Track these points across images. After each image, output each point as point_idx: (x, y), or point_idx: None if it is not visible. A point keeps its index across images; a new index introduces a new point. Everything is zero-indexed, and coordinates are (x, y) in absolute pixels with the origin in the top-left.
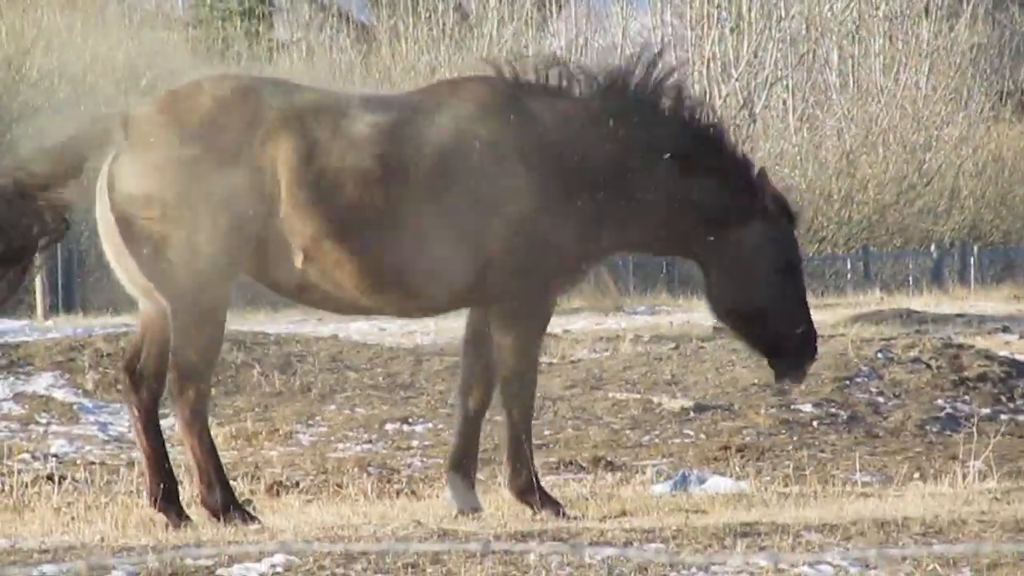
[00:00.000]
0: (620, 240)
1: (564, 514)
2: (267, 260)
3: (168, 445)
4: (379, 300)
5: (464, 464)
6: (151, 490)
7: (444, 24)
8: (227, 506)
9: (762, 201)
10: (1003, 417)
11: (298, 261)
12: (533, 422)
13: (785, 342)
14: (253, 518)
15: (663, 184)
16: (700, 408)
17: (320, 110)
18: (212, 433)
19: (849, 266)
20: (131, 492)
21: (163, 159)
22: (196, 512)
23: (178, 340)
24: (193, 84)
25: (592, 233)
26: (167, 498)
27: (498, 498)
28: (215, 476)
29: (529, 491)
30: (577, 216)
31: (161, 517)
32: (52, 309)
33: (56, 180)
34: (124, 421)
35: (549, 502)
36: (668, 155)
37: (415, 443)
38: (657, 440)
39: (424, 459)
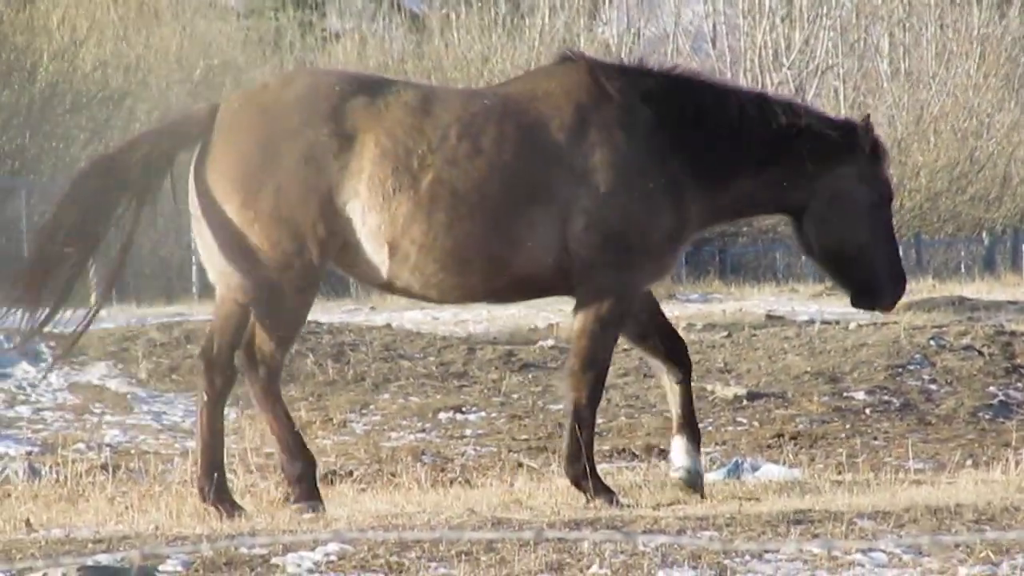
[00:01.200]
0: (720, 211)
1: (617, 503)
2: (353, 253)
3: (227, 433)
4: (465, 282)
5: (692, 428)
6: (200, 481)
7: (496, 13)
8: (305, 476)
9: (853, 143)
10: None
11: (384, 255)
12: None
13: (881, 274)
14: (320, 501)
15: (758, 147)
16: (753, 396)
17: (405, 103)
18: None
19: (901, 254)
20: (185, 481)
21: (245, 151)
22: (250, 502)
23: (258, 322)
24: (280, 78)
25: (686, 208)
26: (218, 489)
27: (551, 486)
28: (295, 445)
29: (584, 478)
30: (667, 192)
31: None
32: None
33: (147, 168)
34: (178, 410)
35: (603, 490)
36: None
37: (468, 432)
38: (710, 428)
39: (477, 448)
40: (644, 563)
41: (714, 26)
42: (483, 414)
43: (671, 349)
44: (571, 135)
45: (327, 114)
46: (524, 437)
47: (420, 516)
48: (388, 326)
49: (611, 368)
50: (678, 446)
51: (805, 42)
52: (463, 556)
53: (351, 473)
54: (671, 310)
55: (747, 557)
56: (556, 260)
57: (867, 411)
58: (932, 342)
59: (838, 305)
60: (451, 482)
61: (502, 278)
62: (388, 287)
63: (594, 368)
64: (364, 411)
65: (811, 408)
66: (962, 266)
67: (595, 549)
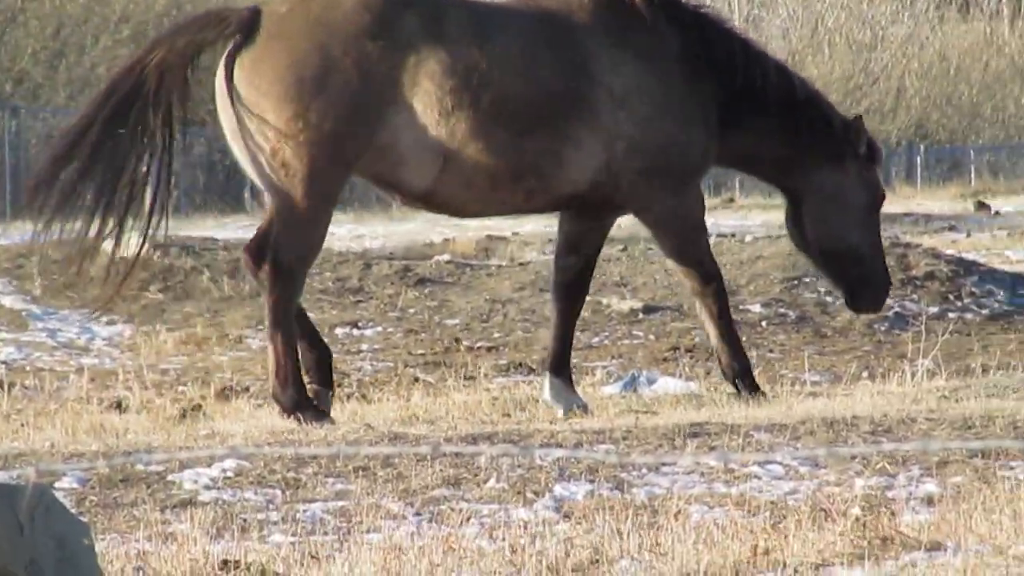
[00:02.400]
0: (724, 154)
1: (764, 395)
2: (396, 166)
3: (122, 349)
4: (511, 196)
5: (565, 366)
6: (303, 357)
7: None
8: (298, 405)
9: (857, 144)
10: (951, 315)
11: (436, 169)
12: (483, 325)
13: (869, 276)
14: (325, 414)
15: (763, 116)
16: (649, 309)
17: (459, 18)
18: (162, 339)
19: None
20: (81, 398)
21: (299, 61)
22: (146, 419)
23: (279, 236)
24: None
25: (705, 140)
26: (320, 366)
27: (448, 400)
28: (291, 375)
29: (743, 378)
30: (694, 122)
31: (114, 422)
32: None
33: (164, 75)
34: (73, 327)
35: (756, 388)
36: (772, 95)
37: (365, 347)
38: (607, 341)
39: (374, 363)
40: (541, 477)
41: None
42: (379, 329)
43: (578, 285)
44: (608, 54)
45: (382, 25)
46: (420, 352)
47: (317, 431)
48: None
49: (507, 282)
50: (554, 386)
51: None
52: (360, 471)
53: (247, 389)
54: None
55: (644, 470)
56: (594, 179)
57: (763, 324)
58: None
59: (733, 218)
60: (348, 397)
61: (546, 195)
62: (423, 199)
63: (711, 278)
64: (260, 327)
65: None
66: None
67: (492, 463)
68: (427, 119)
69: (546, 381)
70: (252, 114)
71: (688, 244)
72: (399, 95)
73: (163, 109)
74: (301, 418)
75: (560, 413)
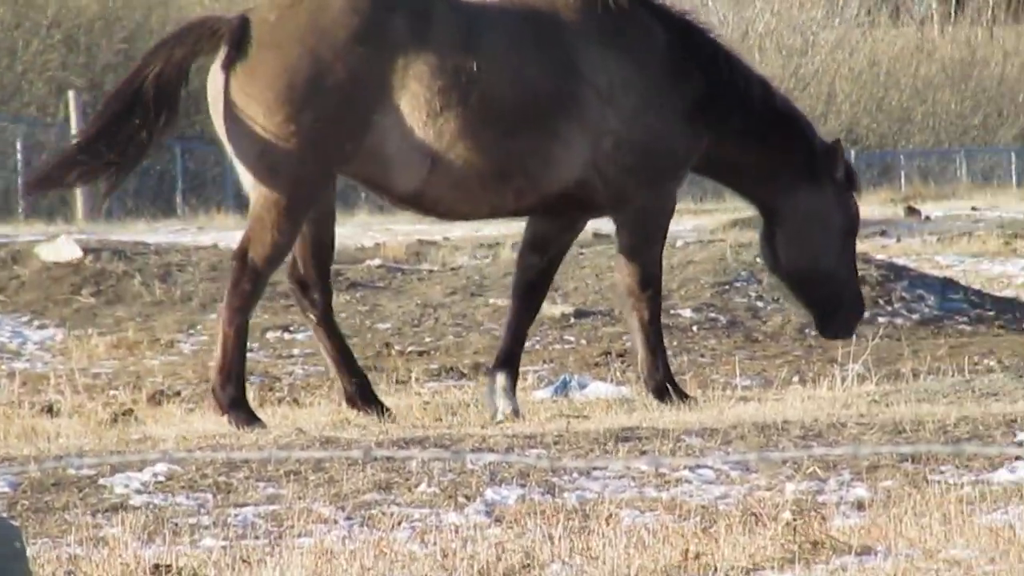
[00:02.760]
0: (704, 161)
1: (696, 402)
2: (385, 168)
3: (54, 353)
4: (500, 197)
5: (512, 364)
6: (345, 390)
7: None
8: (234, 404)
9: (834, 168)
10: (881, 320)
11: (424, 169)
12: (415, 329)
13: (841, 302)
14: (257, 420)
15: (742, 128)
16: (580, 314)
17: (447, 19)
18: (93, 343)
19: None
20: (12, 402)
21: (292, 66)
22: (77, 423)
23: (253, 235)
24: None
25: (689, 138)
26: (363, 394)
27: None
28: (234, 373)
29: (665, 389)
30: (678, 119)
31: (45, 426)
32: None
33: (161, 86)
34: (4, 332)
35: (682, 395)
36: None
37: (296, 351)
38: (538, 346)
39: (305, 367)
40: (472, 481)
41: None
42: (310, 333)
43: (539, 284)
44: (594, 52)
45: (370, 28)
46: None
47: (248, 436)
48: (215, 246)
49: (438, 287)
50: (495, 383)
51: None
52: (291, 476)
53: (179, 393)
54: (499, 228)
55: (575, 474)
56: (582, 176)
57: (694, 328)
58: (759, 259)
59: None
60: (279, 401)
61: (535, 194)
62: (412, 201)
63: (651, 285)
64: (191, 331)
65: None
66: None
67: (423, 468)
68: (415, 120)
69: (490, 377)
70: (245, 119)
71: (648, 243)
72: (388, 97)
73: (156, 122)
74: (233, 420)
75: (488, 415)
